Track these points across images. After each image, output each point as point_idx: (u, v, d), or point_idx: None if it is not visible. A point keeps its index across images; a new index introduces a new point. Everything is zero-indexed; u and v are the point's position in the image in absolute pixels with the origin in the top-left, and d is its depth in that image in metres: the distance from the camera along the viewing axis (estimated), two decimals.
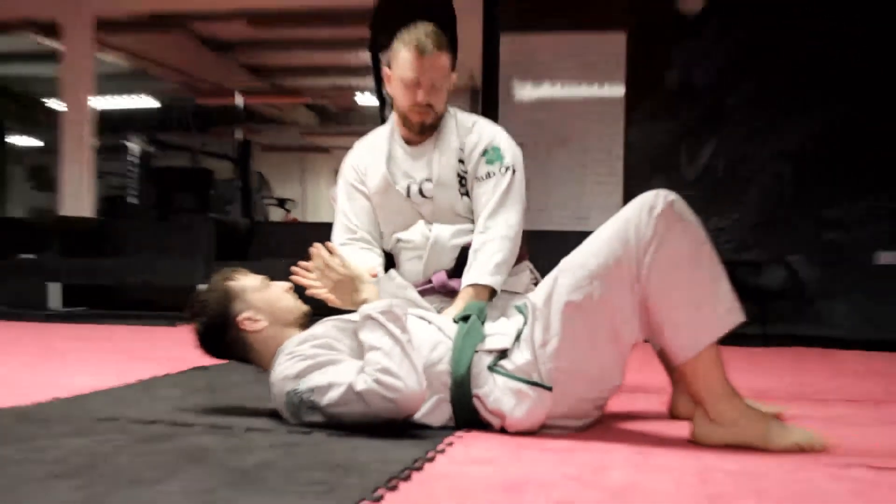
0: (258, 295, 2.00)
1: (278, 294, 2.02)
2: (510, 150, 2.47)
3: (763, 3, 5.53)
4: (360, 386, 1.72)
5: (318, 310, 2.02)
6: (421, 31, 2.38)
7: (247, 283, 2.02)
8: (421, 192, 2.46)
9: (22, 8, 6.94)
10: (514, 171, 2.44)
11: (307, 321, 2.01)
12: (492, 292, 2.31)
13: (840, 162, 5.47)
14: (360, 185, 2.54)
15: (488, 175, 2.43)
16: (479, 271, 2.32)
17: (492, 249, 2.34)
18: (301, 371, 1.81)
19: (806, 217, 5.52)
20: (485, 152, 2.45)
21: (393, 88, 2.45)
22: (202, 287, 2.09)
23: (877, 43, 5.41)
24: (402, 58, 2.39)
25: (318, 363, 1.81)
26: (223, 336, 1.99)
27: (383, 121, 2.65)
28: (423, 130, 2.46)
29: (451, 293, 2.40)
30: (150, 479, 1.40)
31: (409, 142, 2.50)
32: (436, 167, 2.45)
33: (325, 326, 1.96)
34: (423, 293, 2.33)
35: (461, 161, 2.46)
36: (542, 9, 5.81)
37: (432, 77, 2.38)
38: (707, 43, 5.63)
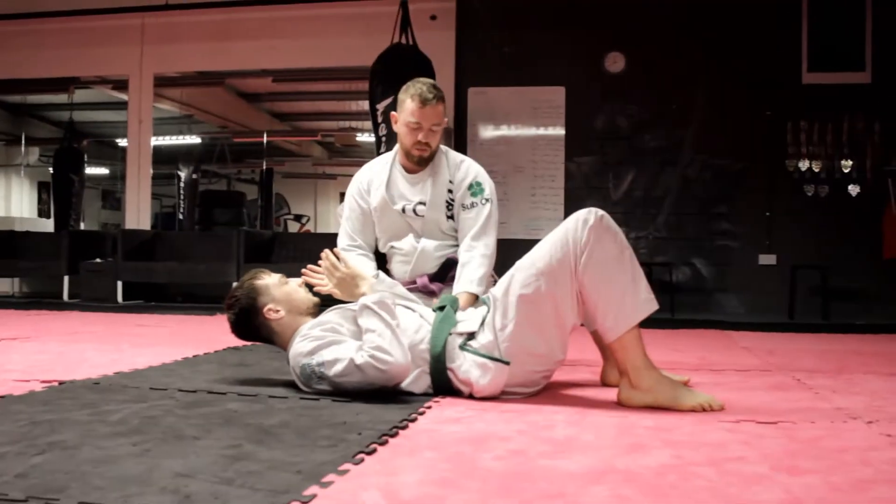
0: (278, 290, 1.96)
1: (294, 289, 1.98)
2: (489, 185, 2.45)
3: (669, 69, 5.59)
4: (359, 360, 1.70)
5: (326, 301, 1.99)
6: (423, 86, 2.33)
7: (269, 280, 1.98)
8: (415, 211, 2.44)
9: (99, 69, 7.00)
10: (491, 202, 2.42)
11: (317, 310, 1.98)
12: (476, 297, 2.28)
13: (731, 187, 5.52)
14: (363, 201, 2.51)
15: (472, 205, 2.41)
16: (467, 282, 2.29)
17: (476, 265, 2.32)
18: (312, 349, 1.79)
19: (704, 229, 5.58)
20: (470, 186, 2.43)
21: (398, 129, 2.40)
22: (235, 284, 2.06)
23: (755, 95, 5.48)
24: (407, 105, 2.34)
25: (325, 343, 1.79)
26: (251, 323, 1.95)
27: (378, 154, 2.62)
28: (420, 163, 2.42)
29: (431, 293, 2.39)
30: (191, 435, 1.37)
31: (408, 171, 2.47)
32: (429, 193, 2.41)
33: (331, 314, 1.93)
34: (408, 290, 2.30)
35: (450, 191, 2.43)
36: (500, 69, 5.84)
37: (431, 121, 2.34)
38: (627, 96, 5.67)
